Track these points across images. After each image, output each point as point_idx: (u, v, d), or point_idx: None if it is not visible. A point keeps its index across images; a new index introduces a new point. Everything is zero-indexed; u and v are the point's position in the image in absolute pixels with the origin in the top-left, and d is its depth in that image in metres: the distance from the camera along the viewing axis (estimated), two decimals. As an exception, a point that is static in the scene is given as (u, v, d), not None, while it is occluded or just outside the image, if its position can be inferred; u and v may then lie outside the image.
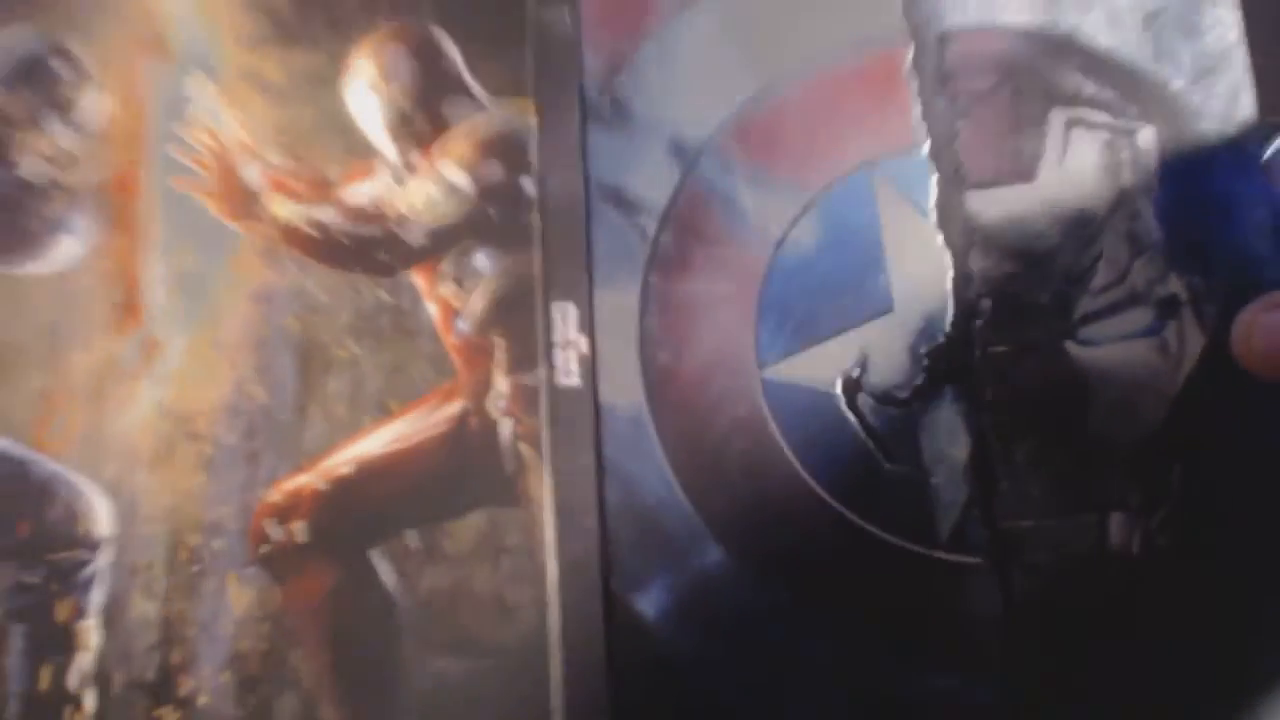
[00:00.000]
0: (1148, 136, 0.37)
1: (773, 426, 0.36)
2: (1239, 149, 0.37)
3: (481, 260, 0.36)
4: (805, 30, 0.38)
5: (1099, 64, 0.38)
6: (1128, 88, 0.38)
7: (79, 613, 0.34)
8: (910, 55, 0.39)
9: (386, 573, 0.34)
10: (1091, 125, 0.38)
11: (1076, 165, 0.37)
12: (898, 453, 0.36)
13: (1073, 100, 0.38)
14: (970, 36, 0.39)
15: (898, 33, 0.38)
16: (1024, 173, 0.38)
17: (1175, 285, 0.36)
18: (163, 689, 0.33)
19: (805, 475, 0.35)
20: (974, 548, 0.35)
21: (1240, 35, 0.38)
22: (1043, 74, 0.38)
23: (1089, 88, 0.38)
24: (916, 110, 0.38)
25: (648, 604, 0.34)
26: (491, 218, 0.37)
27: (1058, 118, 0.38)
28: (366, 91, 0.37)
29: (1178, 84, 0.38)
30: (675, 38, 0.38)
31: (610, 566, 0.35)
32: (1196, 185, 0.36)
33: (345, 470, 0.35)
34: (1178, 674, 0.33)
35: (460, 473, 0.35)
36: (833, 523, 0.35)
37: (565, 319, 0.36)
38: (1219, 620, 0.33)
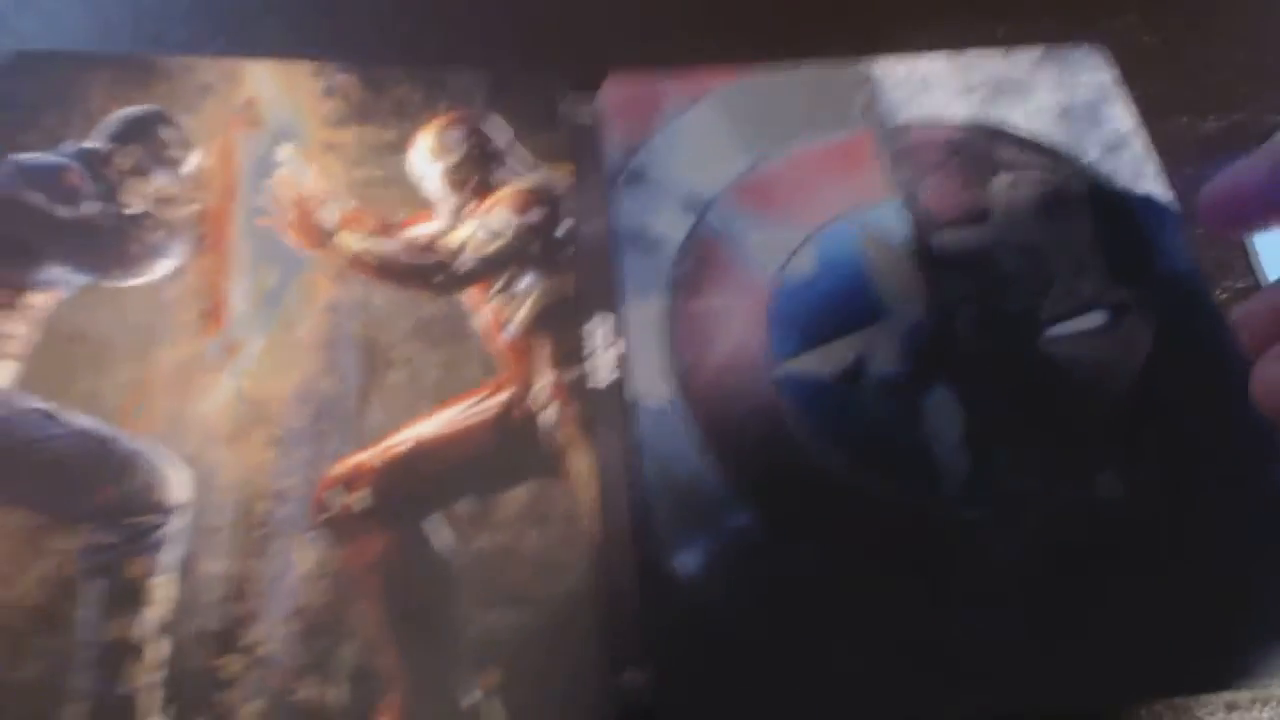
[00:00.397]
0: (1076, 192, 0.46)
1: (789, 410, 0.41)
2: (1152, 197, 0.46)
3: (525, 282, 0.43)
4: (786, 121, 0.48)
5: (1027, 143, 0.48)
6: (1053, 159, 0.47)
7: (151, 570, 0.36)
8: (875, 138, 0.48)
9: (440, 536, 0.38)
10: (1029, 184, 0.47)
11: (1021, 212, 0.46)
12: (902, 429, 0.41)
13: (1010, 167, 0.47)
14: (921, 128, 0.48)
15: (862, 122, 0.48)
16: (979, 217, 0.46)
17: (1121, 294, 0.44)
18: (227, 639, 0.35)
19: (821, 449, 0.40)
20: (981, 503, 0.39)
21: (1135, 124, 0.48)
22: (983, 150, 0.48)
23: (1021, 159, 0.47)
24: (885, 175, 0.47)
25: (682, 564, 0.38)
26: (533, 251, 0.43)
27: (1000, 179, 0.47)
28: (428, 160, 0.45)
29: (1093, 155, 0.47)
30: (682, 127, 0.47)
31: (647, 532, 0.38)
32: (1123, 224, 0.46)
33: (402, 448, 0.39)
34: (1171, 597, 0.38)
35: (508, 450, 0.39)
36: (850, 488, 0.40)
37: (599, 332, 0.42)
38: (1200, 551, 0.38)
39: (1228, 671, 0.36)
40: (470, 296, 0.42)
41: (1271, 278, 0.47)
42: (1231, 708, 0.38)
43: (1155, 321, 0.43)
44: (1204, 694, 0.37)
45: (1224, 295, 0.46)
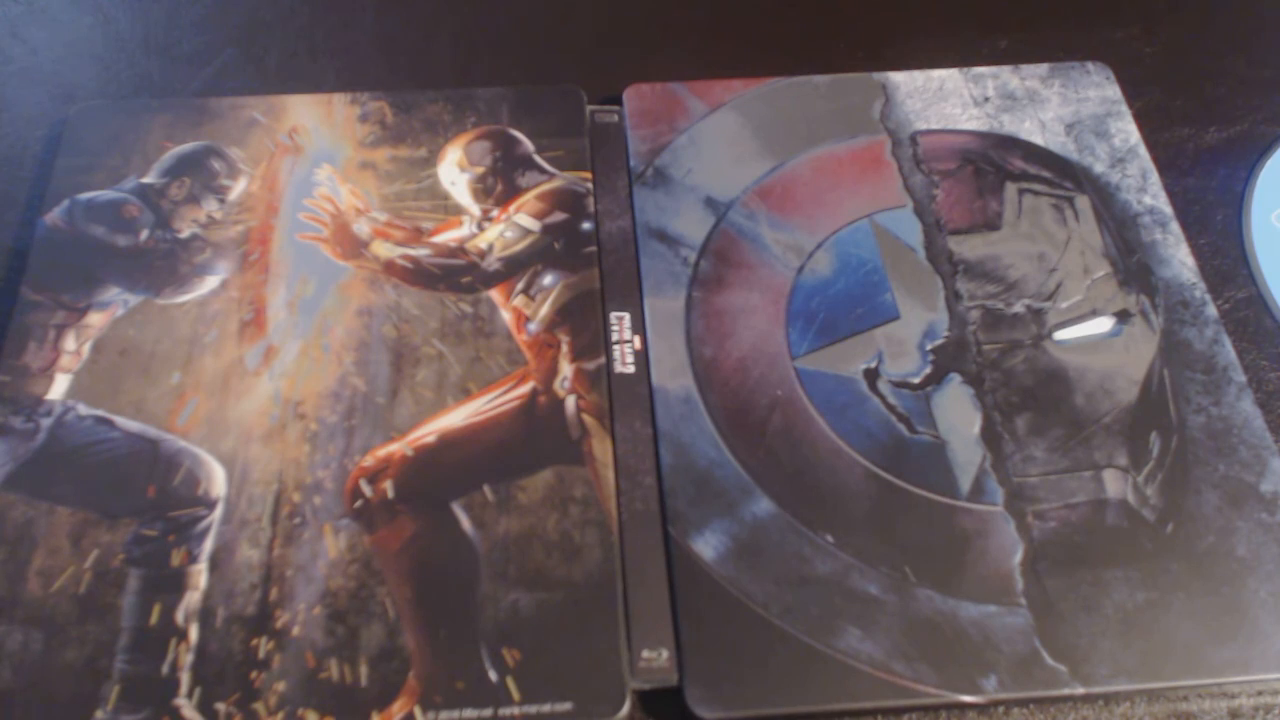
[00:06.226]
0: (1084, 202, 0.47)
1: (808, 404, 0.41)
2: (1157, 208, 0.47)
3: (549, 279, 0.44)
4: (805, 127, 0.49)
5: (1037, 154, 0.49)
6: (1061, 170, 0.48)
7: (191, 559, 0.37)
8: (889, 145, 0.48)
9: (465, 521, 0.38)
10: (1038, 194, 0.47)
11: (1031, 219, 0.47)
12: (918, 424, 0.41)
13: (1020, 177, 0.48)
14: (935, 135, 0.49)
15: (877, 129, 0.49)
16: (990, 224, 0.47)
17: (1126, 301, 0.45)
18: (261, 622, 0.36)
19: (840, 442, 0.41)
20: (992, 499, 0.40)
21: (1139, 137, 0.49)
22: (994, 160, 0.49)
23: (1031, 169, 0.48)
24: (900, 181, 0.48)
25: (705, 546, 0.38)
26: (556, 249, 0.44)
27: (1011, 188, 0.48)
28: (455, 171, 0.47)
29: (1099, 169, 0.48)
30: (703, 132, 0.49)
31: (669, 515, 0.39)
32: (1127, 234, 0.47)
33: (430, 439, 0.40)
34: (1172, 593, 0.38)
35: (531, 439, 0.40)
36: (868, 479, 0.40)
37: (621, 323, 0.43)
38: (1201, 549, 0.39)
39: (1227, 665, 0.36)
40: (495, 294, 0.43)
41: (1272, 288, 0.47)
42: (1235, 715, 0.37)
43: (1159, 329, 0.44)
44: (1203, 685, 0.37)
45: (1226, 305, 0.46)
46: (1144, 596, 0.37)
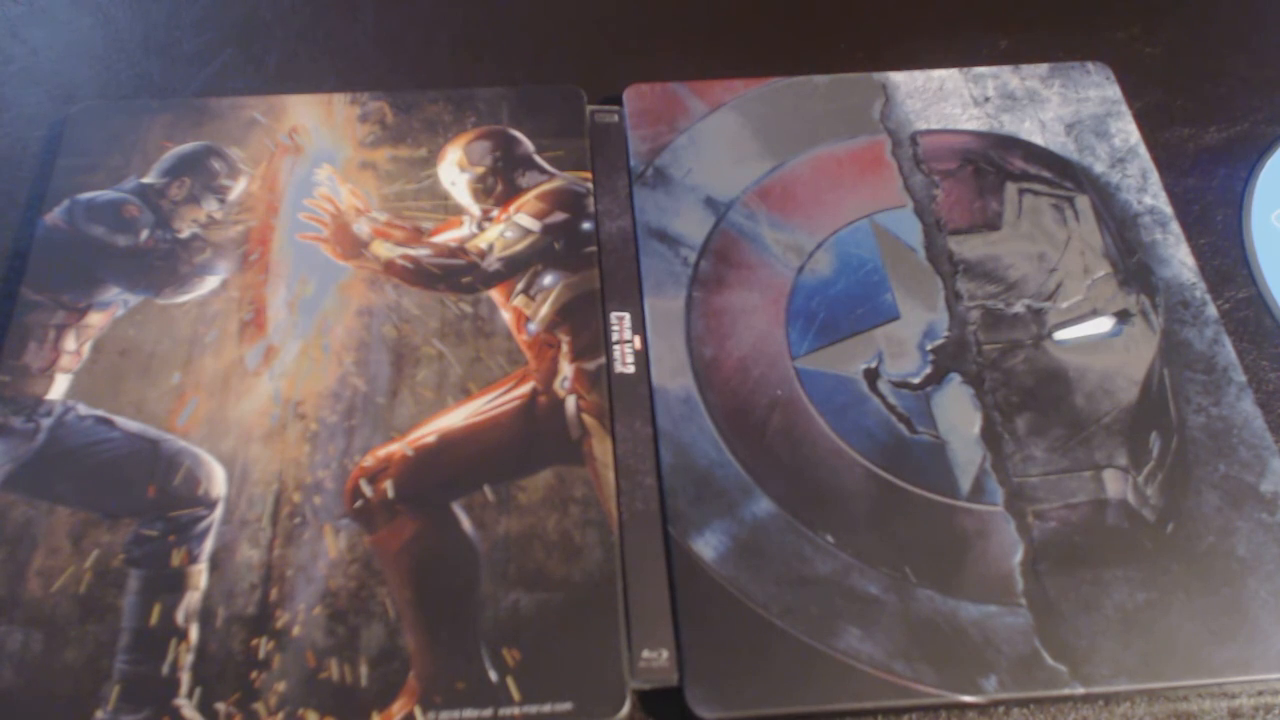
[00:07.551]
0: (1084, 202, 0.47)
1: (808, 404, 0.41)
2: (1158, 208, 0.47)
3: (549, 279, 0.44)
4: (806, 127, 0.49)
5: (1037, 154, 0.49)
6: (1061, 170, 0.48)
7: (191, 559, 0.37)
8: (889, 145, 0.49)
9: (465, 521, 0.38)
10: (1038, 194, 0.47)
11: (1031, 219, 0.47)
12: (918, 424, 0.41)
13: (1020, 177, 0.48)
14: (935, 135, 0.49)
15: (878, 129, 0.49)
16: (991, 224, 0.47)
17: (1126, 301, 0.45)
18: (261, 622, 0.36)
19: (840, 442, 0.41)
20: (992, 499, 0.40)
21: (1139, 137, 0.49)
22: (995, 160, 0.48)
23: (1032, 169, 0.48)
24: (900, 181, 0.48)
25: (705, 546, 0.38)
26: (556, 249, 0.44)
27: (1011, 188, 0.48)
28: (455, 171, 0.47)
29: (1099, 169, 0.48)
30: (704, 132, 0.49)
31: (669, 515, 0.39)
32: (1127, 234, 0.47)
33: (430, 440, 0.40)
34: (1172, 593, 0.38)
35: (531, 439, 0.40)
36: (868, 479, 0.40)
37: (621, 323, 0.43)
38: (1200, 549, 0.39)
39: (1227, 665, 0.36)
40: (495, 294, 0.43)
41: (1272, 288, 0.47)
42: (1236, 715, 0.37)
43: (1159, 329, 0.44)
44: (1203, 685, 0.37)
45: (1226, 305, 0.46)
46: (1144, 596, 0.37)
